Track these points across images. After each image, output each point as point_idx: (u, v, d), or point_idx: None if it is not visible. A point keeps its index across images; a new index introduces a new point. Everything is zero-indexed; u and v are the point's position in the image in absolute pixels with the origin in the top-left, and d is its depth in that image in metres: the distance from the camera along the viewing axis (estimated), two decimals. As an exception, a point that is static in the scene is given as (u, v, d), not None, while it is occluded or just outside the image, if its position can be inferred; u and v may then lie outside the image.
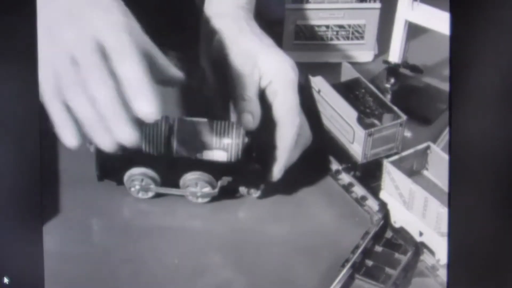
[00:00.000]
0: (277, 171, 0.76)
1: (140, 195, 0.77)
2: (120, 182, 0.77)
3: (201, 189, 0.76)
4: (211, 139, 0.74)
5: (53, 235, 0.73)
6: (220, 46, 0.77)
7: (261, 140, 0.75)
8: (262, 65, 0.76)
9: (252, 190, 0.77)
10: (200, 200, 0.77)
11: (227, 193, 0.77)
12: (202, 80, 0.81)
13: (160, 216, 0.76)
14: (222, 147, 0.74)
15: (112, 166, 0.75)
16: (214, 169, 0.75)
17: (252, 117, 0.74)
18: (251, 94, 0.75)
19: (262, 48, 0.77)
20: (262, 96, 0.76)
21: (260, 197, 0.78)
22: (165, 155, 0.74)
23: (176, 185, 0.76)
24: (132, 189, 0.76)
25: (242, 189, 0.77)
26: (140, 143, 0.70)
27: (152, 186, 0.76)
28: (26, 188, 0.73)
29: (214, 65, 0.79)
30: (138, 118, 0.65)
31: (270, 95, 0.76)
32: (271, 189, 0.78)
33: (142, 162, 0.75)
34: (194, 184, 0.76)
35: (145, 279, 0.72)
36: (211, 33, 0.79)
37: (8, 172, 0.73)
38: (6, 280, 0.72)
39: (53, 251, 0.72)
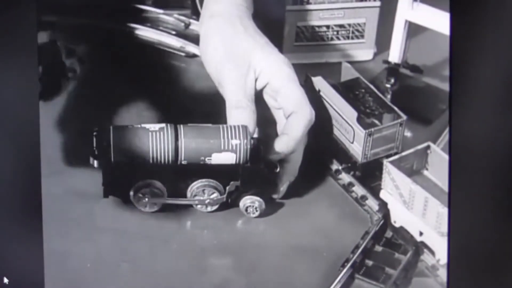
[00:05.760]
0: (280, 146, 0.73)
1: (148, 208, 0.75)
2: (126, 198, 0.75)
3: (208, 196, 0.75)
4: (219, 141, 0.72)
5: (53, 235, 0.73)
6: (216, 49, 0.76)
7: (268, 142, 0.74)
8: (257, 65, 0.75)
9: (250, 209, 0.76)
10: (209, 208, 0.76)
11: (233, 201, 0.76)
12: None
13: (159, 217, 0.76)
14: (231, 149, 0.73)
15: (118, 181, 0.74)
16: (222, 174, 0.74)
17: (251, 126, 0.73)
18: (248, 100, 0.74)
19: (256, 48, 0.76)
20: (259, 98, 0.76)
21: (259, 216, 0.76)
22: (173, 164, 0.73)
23: (184, 195, 0.75)
24: (139, 202, 0.75)
25: (242, 207, 0.76)
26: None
27: (160, 198, 0.75)
28: (26, 187, 0.73)
29: (214, 69, 0.78)
30: None
31: (271, 94, 0.76)
32: (269, 208, 0.76)
33: (149, 174, 0.74)
34: (202, 192, 0.75)
35: (145, 279, 0.72)
36: (207, 35, 0.78)
37: (8, 171, 0.73)
38: (6, 280, 0.72)
39: (53, 251, 0.72)
